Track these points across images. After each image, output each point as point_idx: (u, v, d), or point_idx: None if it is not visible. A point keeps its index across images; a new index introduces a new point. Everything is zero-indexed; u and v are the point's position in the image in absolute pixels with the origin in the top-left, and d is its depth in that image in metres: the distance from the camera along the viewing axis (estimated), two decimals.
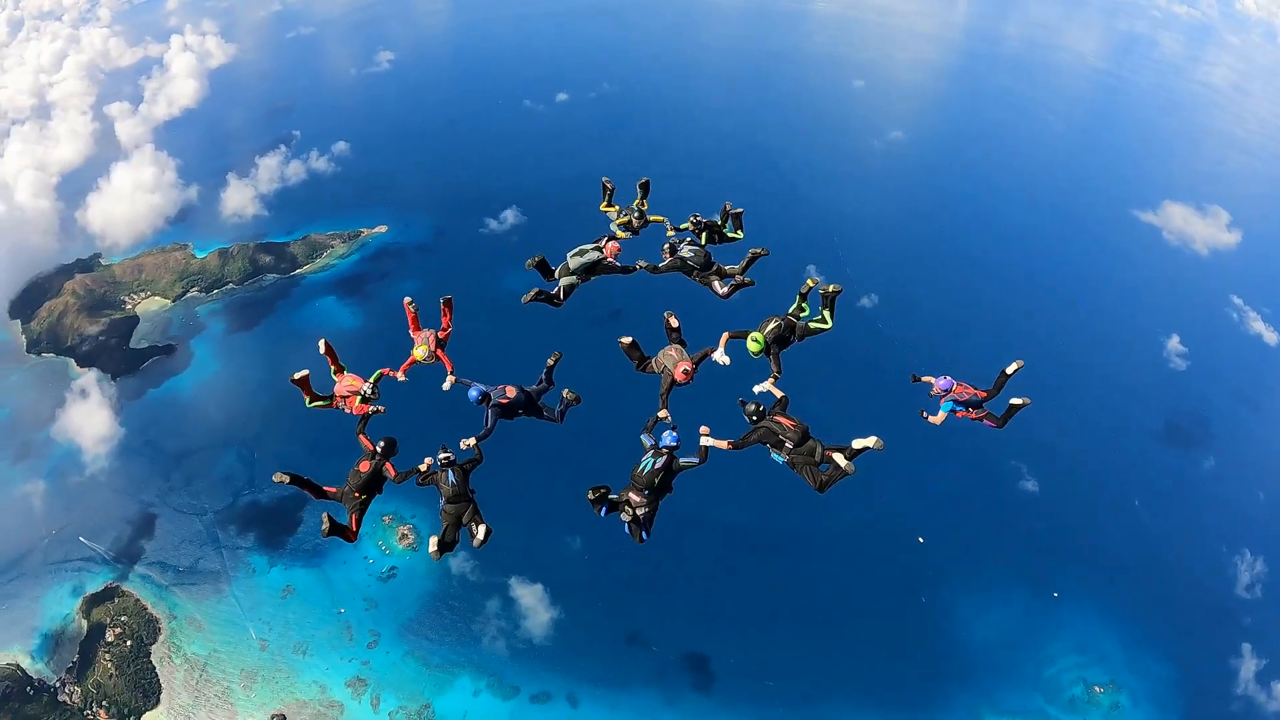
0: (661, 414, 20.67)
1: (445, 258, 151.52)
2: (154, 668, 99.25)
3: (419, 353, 22.41)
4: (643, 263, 24.15)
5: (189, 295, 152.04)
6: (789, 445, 19.09)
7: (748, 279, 24.36)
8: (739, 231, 27.15)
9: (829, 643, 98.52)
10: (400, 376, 22.78)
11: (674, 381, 21.31)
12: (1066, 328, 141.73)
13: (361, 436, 21.64)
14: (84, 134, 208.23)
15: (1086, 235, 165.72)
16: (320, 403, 22.68)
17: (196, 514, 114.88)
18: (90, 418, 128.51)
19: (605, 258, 23.40)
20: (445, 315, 23.05)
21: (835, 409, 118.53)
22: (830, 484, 18.85)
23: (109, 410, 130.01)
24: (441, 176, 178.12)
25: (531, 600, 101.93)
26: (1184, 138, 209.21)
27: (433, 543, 20.10)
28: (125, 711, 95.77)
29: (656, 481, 18.63)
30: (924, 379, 22.83)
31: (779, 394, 20.81)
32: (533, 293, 22.97)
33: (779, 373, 21.41)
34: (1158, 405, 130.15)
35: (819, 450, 19.06)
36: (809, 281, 22.49)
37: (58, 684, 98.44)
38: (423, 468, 21.09)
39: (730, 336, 22.33)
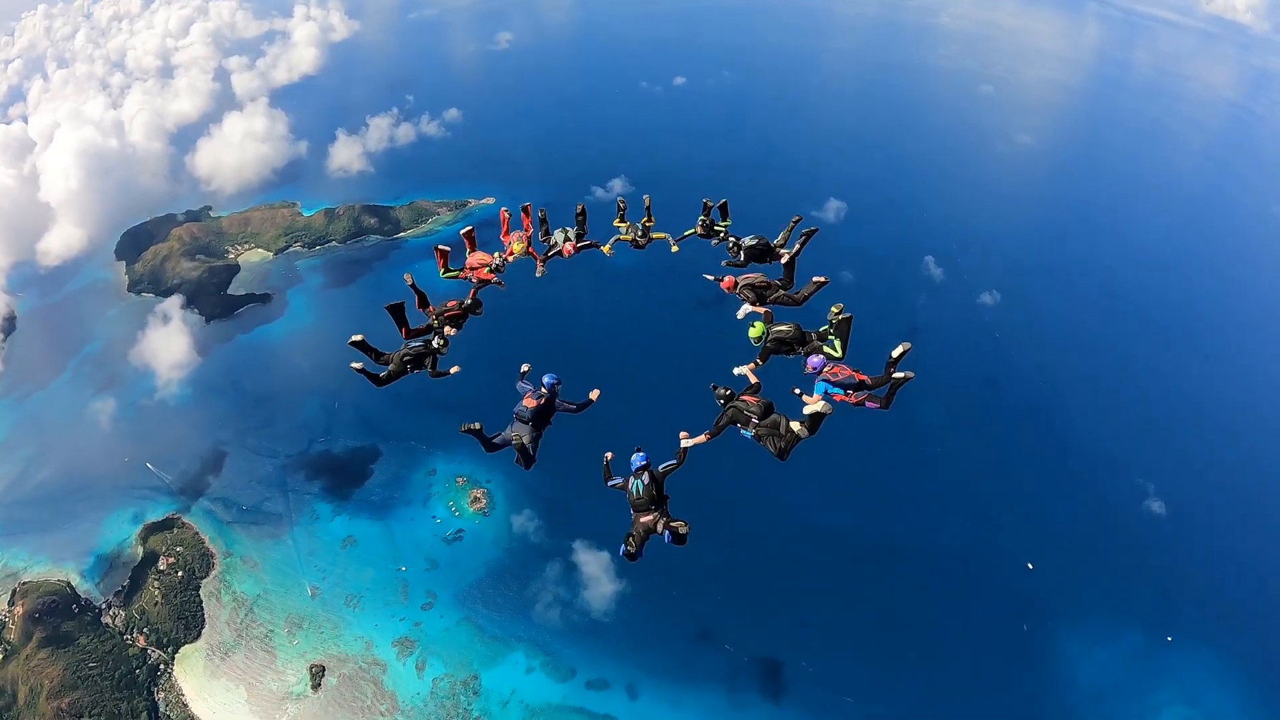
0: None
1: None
2: (201, 601, 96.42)
3: (516, 247, 26.19)
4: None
5: (291, 249, 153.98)
6: (755, 420, 20.34)
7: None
8: (726, 219, 28.27)
9: (917, 665, 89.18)
10: (509, 258, 26.35)
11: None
12: (1196, 341, 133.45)
13: (473, 291, 24.81)
14: (203, 92, 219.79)
15: (1218, 251, 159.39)
16: (453, 273, 25.72)
17: (269, 456, 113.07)
18: (169, 343, 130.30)
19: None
20: (525, 218, 26.75)
21: (946, 411, 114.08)
22: (789, 449, 19.96)
23: (187, 338, 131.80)
24: (551, 150, 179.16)
25: (595, 569, 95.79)
26: None
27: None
28: (164, 641, 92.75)
29: (655, 494, 20.04)
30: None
31: (754, 380, 22.05)
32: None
33: (760, 362, 22.66)
34: None
35: (782, 423, 20.07)
36: (835, 309, 22.42)
37: (103, 605, 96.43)
38: (437, 342, 23.21)
39: (752, 310, 24.27)
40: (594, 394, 22.50)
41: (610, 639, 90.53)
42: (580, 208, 27.66)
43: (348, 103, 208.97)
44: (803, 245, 26.07)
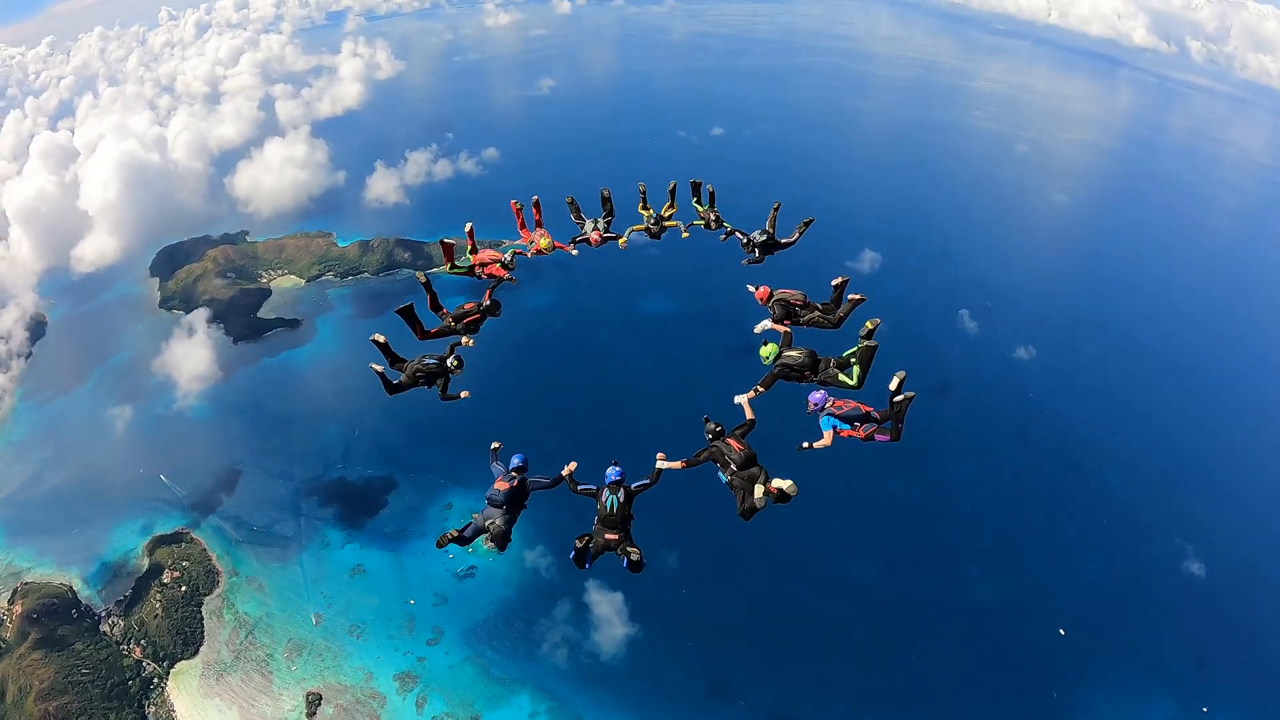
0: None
1: (582, 273, 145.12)
2: (202, 618, 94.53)
3: (543, 242, 26.12)
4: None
5: (324, 278, 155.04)
6: (733, 467, 19.69)
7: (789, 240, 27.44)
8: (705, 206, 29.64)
9: None
10: (529, 254, 26.43)
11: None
12: (1233, 400, 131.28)
13: (488, 292, 24.76)
14: (248, 118, 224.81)
15: (1253, 309, 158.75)
16: (459, 270, 25.56)
17: (283, 479, 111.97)
18: (192, 355, 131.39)
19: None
20: (537, 212, 27.04)
21: (978, 466, 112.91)
22: (751, 513, 19.21)
23: (211, 351, 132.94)
24: (589, 193, 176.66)
25: (607, 610, 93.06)
26: None
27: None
28: (161, 654, 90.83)
29: (627, 512, 19.85)
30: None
31: (750, 414, 21.38)
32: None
33: (763, 389, 21.84)
34: None
35: (761, 477, 19.29)
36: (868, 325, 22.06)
37: (103, 612, 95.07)
38: (452, 362, 22.88)
39: (771, 328, 23.81)
40: (568, 468, 21.36)
41: (619, 688, 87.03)
42: (605, 192, 28.20)
43: (388, 137, 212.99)
44: (800, 234, 27.29)
